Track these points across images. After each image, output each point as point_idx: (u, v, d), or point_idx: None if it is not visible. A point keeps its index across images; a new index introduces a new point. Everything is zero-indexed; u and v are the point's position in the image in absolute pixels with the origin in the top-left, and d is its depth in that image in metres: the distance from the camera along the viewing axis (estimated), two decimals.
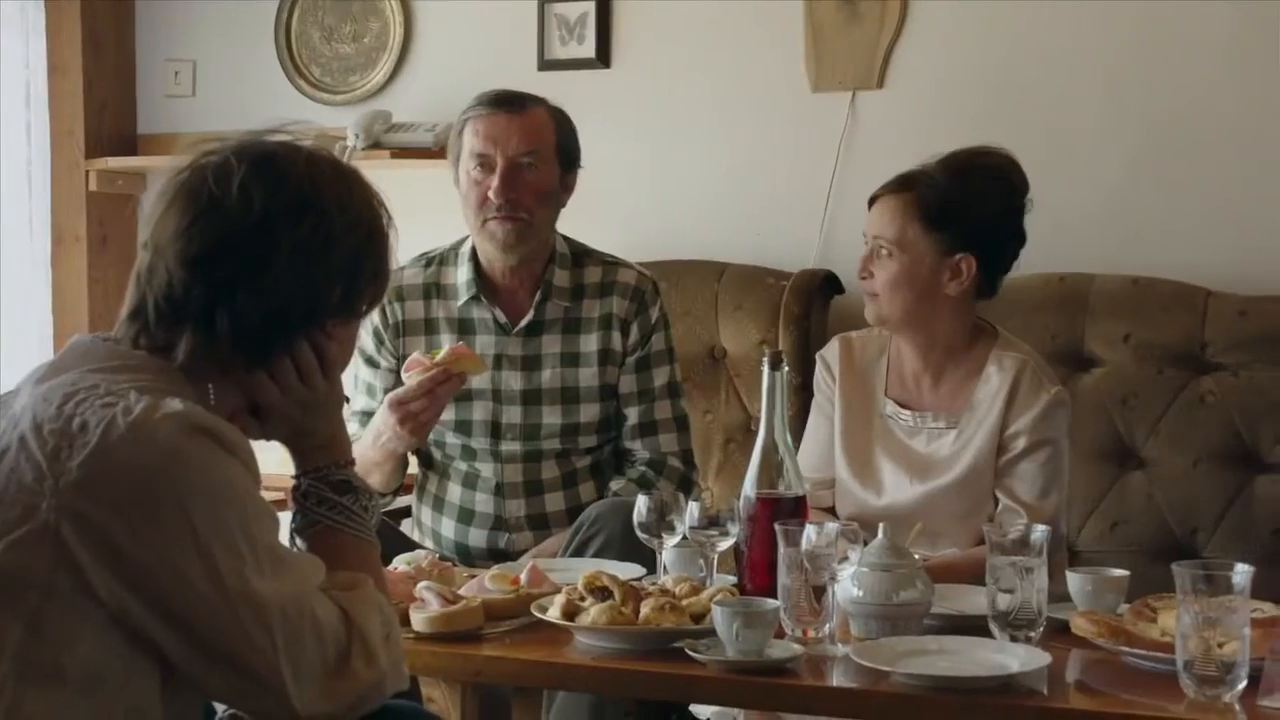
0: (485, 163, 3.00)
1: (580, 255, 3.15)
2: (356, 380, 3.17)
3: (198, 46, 4.49)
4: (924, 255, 2.75)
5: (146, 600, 1.59)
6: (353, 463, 1.93)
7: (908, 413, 2.83)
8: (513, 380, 3.08)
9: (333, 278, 1.79)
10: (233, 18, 4.43)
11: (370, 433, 2.91)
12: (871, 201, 2.83)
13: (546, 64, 4.03)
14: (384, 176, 4.16)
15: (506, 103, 3.04)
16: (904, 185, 2.78)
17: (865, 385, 2.89)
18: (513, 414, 3.08)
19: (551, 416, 3.08)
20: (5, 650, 1.56)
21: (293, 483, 1.91)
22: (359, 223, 1.82)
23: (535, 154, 3.02)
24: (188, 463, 1.61)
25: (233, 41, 4.44)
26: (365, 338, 3.14)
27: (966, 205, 2.74)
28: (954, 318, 2.80)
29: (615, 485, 3.09)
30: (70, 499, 1.57)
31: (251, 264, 1.74)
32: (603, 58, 4.00)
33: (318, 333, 1.82)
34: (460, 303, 3.10)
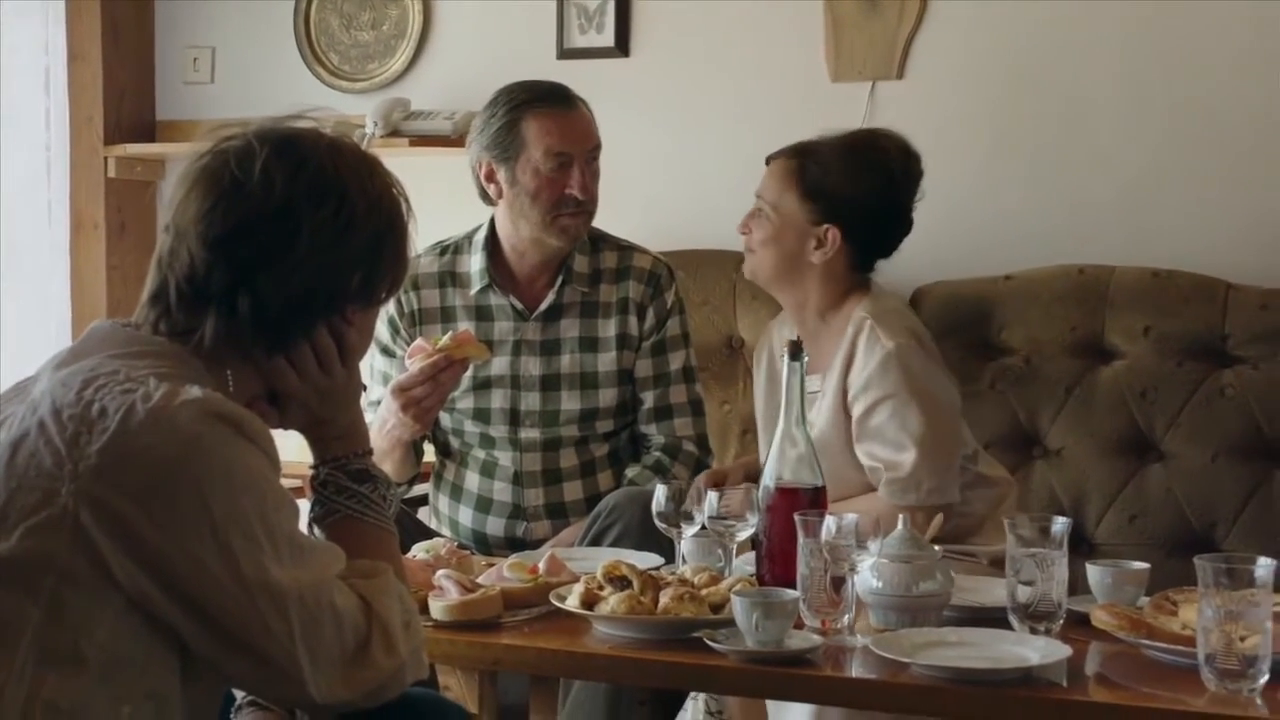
0: (565, 161, 3.01)
1: (596, 240, 3.17)
2: (372, 370, 3.17)
3: (217, 33, 4.49)
4: (794, 221, 2.87)
5: (165, 586, 1.59)
6: (371, 452, 1.93)
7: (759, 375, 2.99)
8: (532, 365, 3.08)
9: (353, 263, 1.79)
10: (252, 5, 4.43)
11: (376, 421, 2.91)
12: (768, 161, 2.94)
13: (566, 53, 4.02)
14: (402, 164, 4.17)
15: (566, 99, 3.06)
16: (795, 152, 2.91)
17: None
18: (531, 400, 3.08)
19: (570, 402, 3.08)
20: (24, 634, 1.56)
21: (311, 472, 1.91)
22: (379, 208, 1.82)
23: (598, 147, 3.07)
24: (207, 450, 1.61)
25: (252, 29, 4.44)
26: (381, 328, 3.14)
27: (840, 182, 2.85)
28: (822, 285, 2.90)
29: (630, 473, 3.10)
30: (89, 485, 1.57)
31: (273, 246, 1.74)
32: (622, 47, 3.99)
33: (337, 319, 1.82)
34: (475, 290, 3.11)
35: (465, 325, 3.05)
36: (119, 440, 1.58)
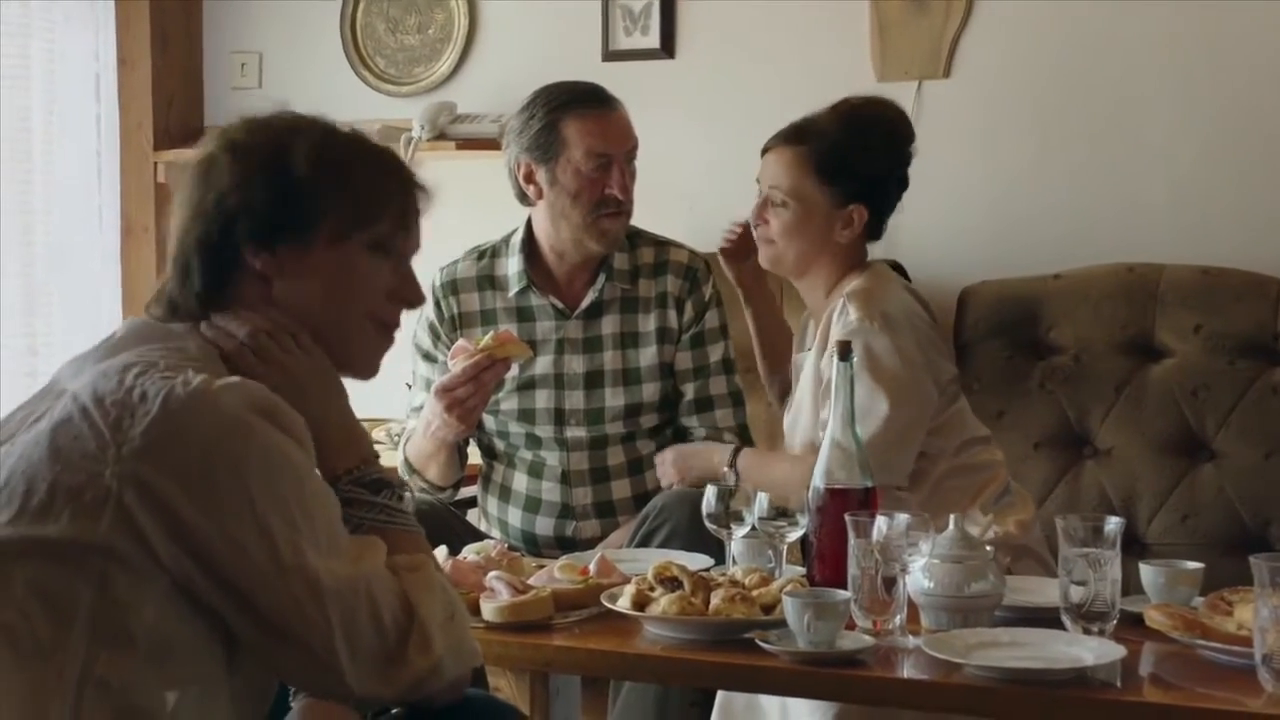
0: (605, 162, 3.02)
1: (632, 236, 3.18)
2: (415, 376, 3.19)
3: (264, 39, 4.52)
4: (818, 206, 2.87)
5: (205, 569, 1.62)
6: (378, 456, 1.92)
7: (798, 356, 3.01)
8: (575, 364, 3.10)
9: (345, 192, 1.83)
10: (298, 10, 4.46)
11: (421, 424, 2.93)
12: (765, 151, 2.95)
13: (611, 55, 4.03)
14: (449, 167, 4.19)
15: (605, 100, 3.07)
16: (798, 138, 2.90)
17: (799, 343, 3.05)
18: (575, 399, 3.09)
19: (614, 399, 3.09)
20: (78, 613, 1.59)
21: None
22: (377, 153, 1.87)
23: (636, 147, 3.08)
24: (247, 434, 1.64)
25: (298, 34, 4.47)
26: (421, 334, 3.17)
27: (858, 159, 2.86)
28: (835, 263, 2.91)
29: None
30: (133, 466, 1.60)
31: (267, 163, 1.81)
32: (667, 48, 4.00)
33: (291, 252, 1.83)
34: (513, 292, 3.12)
35: (507, 327, 3.05)
36: (161, 422, 1.61)
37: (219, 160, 1.82)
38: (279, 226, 1.81)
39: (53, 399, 1.70)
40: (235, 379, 1.67)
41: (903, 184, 2.95)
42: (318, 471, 1.74)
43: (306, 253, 1.82)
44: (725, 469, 2.93)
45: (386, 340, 1.93)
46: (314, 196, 1.82)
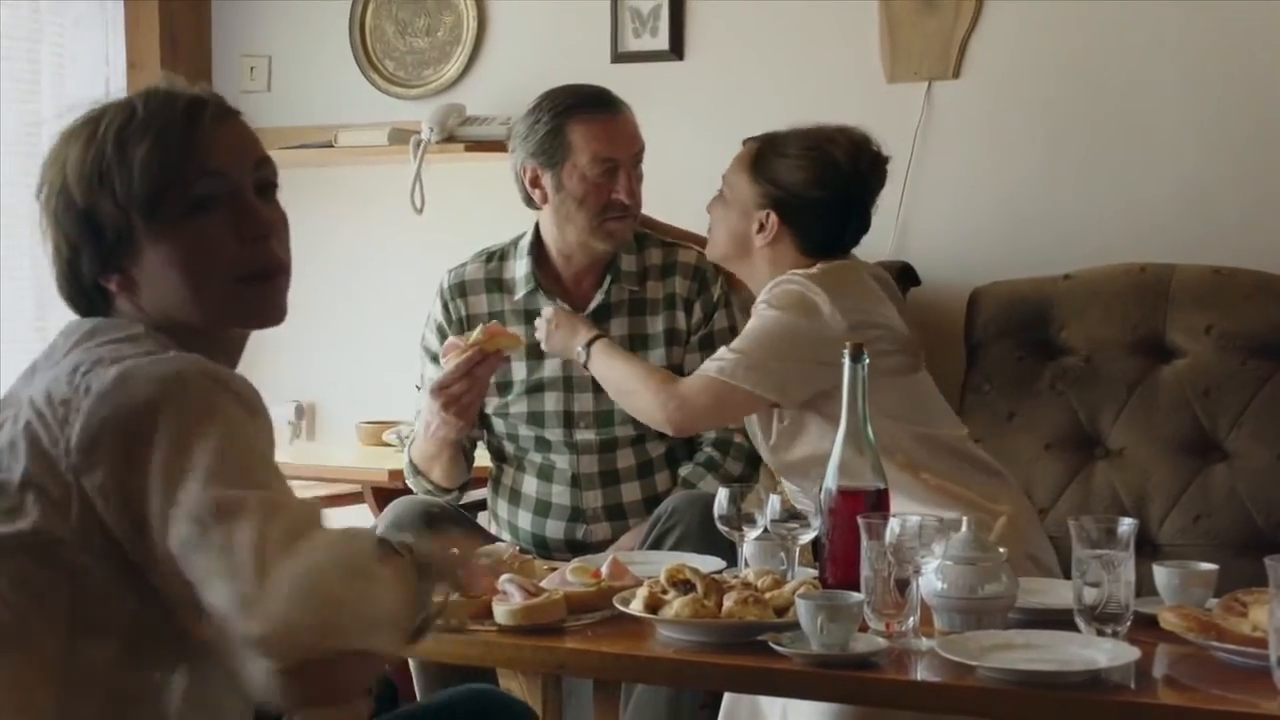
0: (611, 166, 3.02)
1: (640, 238, 3.18)
2: (424, 379, 3.19)
3: (273, 42, 4.53)
4: (742, 200, 2.95)
5: (147, 543, 1.57)
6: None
7: None
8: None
9: (121, 191, 1.76)
10: (307, 13, 4.46)
11: (421, 425, 2.93)
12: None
13: (620, 56, 4.03)
14: (458, 170, 4.18)
15: (611, 103, 3.07)
16: (762, 138, 2.99)
17: None
18: (585, 401, 3.09)
19: None
20: (60, 602, 1.60)
21: None
22: (118, 136, 1.79)
23: (642, 150, 3.08)
24: (172, 391, 1.60)
25: (307, 37, 4.47)
26: (430, 336, 3.17)
27: (783, 170, 2.92)
28: (770, 267, 2.94)
29: (684, 471, 3.11)
30: (81, 458, 1.60)
31: (58, 203, 1.80)
32: (676, 50, 3.99)
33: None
34: (521, 295, 3.12)
35: (515, 329, 3.03)
36: (94, 407, 1.61)
37: (39, 216, 1.82)
38: (105, 252, 1.78)
39: (14, 409, 1.71)
40: (172, 353, 1.67)
41: (838, 214, 2.94)
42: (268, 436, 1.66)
43: (142, 257, 1.77)
44: (580, 350, 2.97)
45: (274, 282, 1.82)
46: (104, 212, 1.77)
